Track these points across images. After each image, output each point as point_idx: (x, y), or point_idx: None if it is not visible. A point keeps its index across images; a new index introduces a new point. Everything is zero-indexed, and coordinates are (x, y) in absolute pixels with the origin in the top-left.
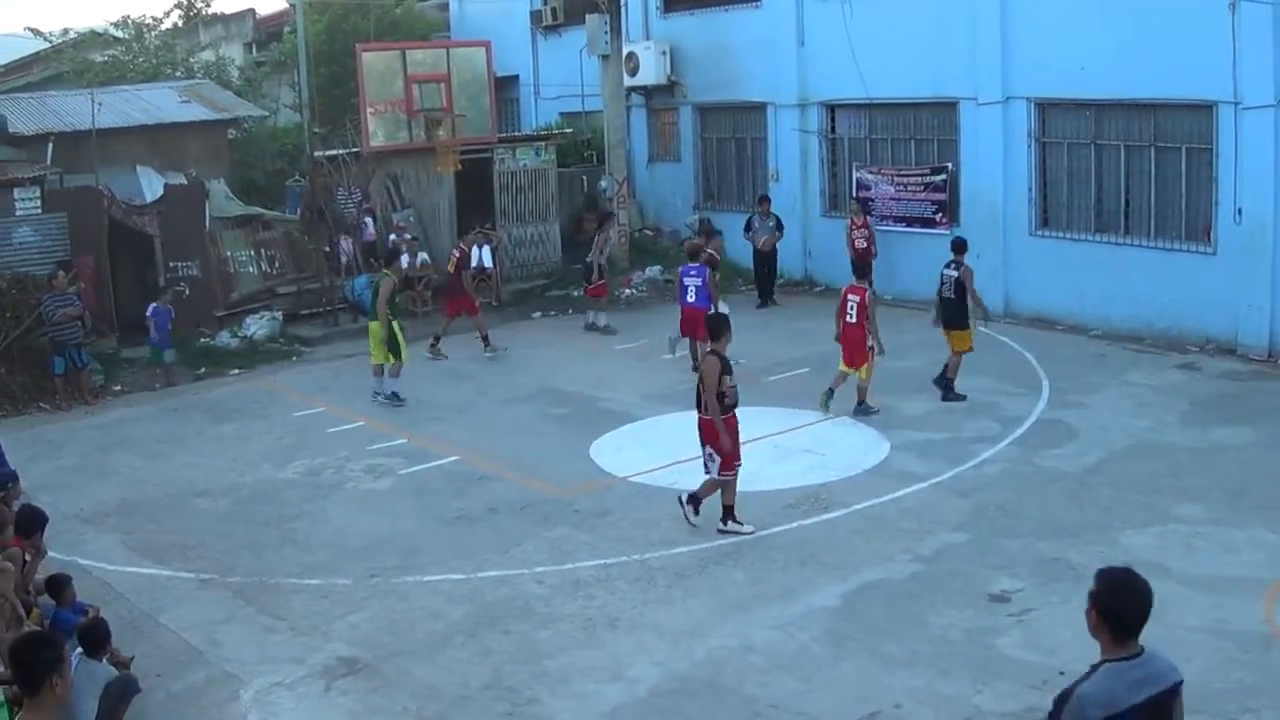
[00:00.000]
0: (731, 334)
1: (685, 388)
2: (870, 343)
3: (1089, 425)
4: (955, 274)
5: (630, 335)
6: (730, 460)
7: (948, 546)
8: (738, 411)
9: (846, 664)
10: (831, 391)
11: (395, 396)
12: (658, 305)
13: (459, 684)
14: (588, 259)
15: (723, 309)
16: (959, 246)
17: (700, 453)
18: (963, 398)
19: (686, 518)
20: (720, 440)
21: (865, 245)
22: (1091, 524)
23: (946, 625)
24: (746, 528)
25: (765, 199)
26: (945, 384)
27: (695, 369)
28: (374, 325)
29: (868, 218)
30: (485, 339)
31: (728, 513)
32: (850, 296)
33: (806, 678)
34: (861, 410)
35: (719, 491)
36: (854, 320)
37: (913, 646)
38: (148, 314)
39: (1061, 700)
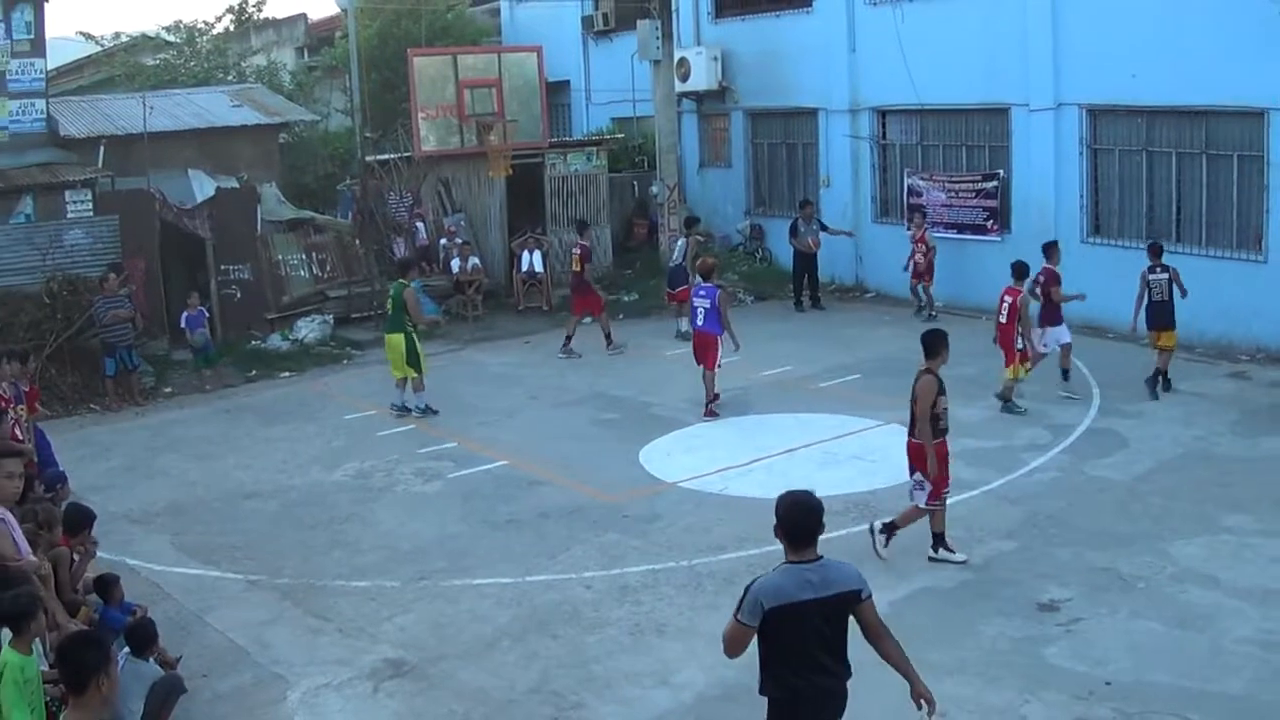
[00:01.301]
0: (948, 353)
1: (734, 395)
2: (1021, 344)
3: (1139, 434)
4: (1166, 276)
5: (679, 341)
6: (939, 487)
7: (997, 555)
8: (787, 415)
9: (893, 672)
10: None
11: (428, 409)
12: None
13: (505, 688)
14: (672, 264)
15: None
16: (1157, 251)
17: (908, 477)
18: (1169, 386)
19: (875, 548)
20: (929, 466)
21: (923, 258)
22: (1141, 534)
23: (995, 634)
24: (959, 556)
25: (808, 203)
26: (1158, 380)
27: (709, 404)
28: (392, 338)
29: (925, 231)
30: (608, 337)
31: (938, 540)
32: (1005, 298)
33: (852, 685)
34: (1006, 409)
35: (907, 516)
36: (1005, 321)
37: (960, 655)
38: (181, 324)
39: (745, 592)
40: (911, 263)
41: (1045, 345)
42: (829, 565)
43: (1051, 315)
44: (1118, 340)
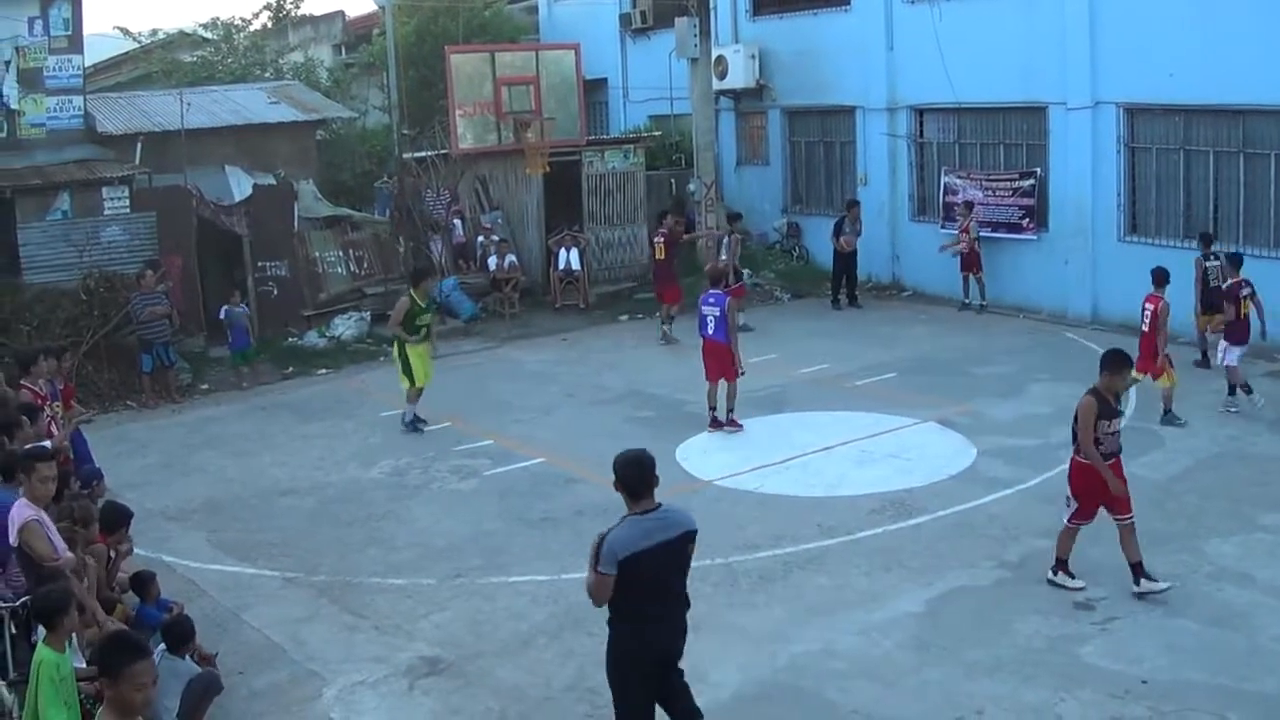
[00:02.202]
0: (1122, 378)
1: (769, 393)
2: (1165, 351)
3: (1175, 433)
4: (1219, 263)
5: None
6: (1123, 506)
7: (1033, 553)
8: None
9: (930, 670)
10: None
11: (416, 422)
12: (746, 309)
13: (542, 685)
14: (721, 259)
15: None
16: (1209, 240)
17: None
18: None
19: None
20: (1110, 484)
21: (968, 250)
22: (1177, 532)
23: (1031, 633)
24: (1077, 583)
25: (855, 203)
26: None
27: (712, 413)
28: (396, 346)
29: (970, 222)
30: (668, 323)
31: (1061, 565)
32: (1146, 305)
33: (889, 684)
34: (1166, 420)
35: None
36: (1146, 328)
37: (996, 653)
38: (221, 315)
39: (598, 545)
40: (957, 253)
41: (1226, 359)
42: (668, 511)
43: (1239, 332)
44: None
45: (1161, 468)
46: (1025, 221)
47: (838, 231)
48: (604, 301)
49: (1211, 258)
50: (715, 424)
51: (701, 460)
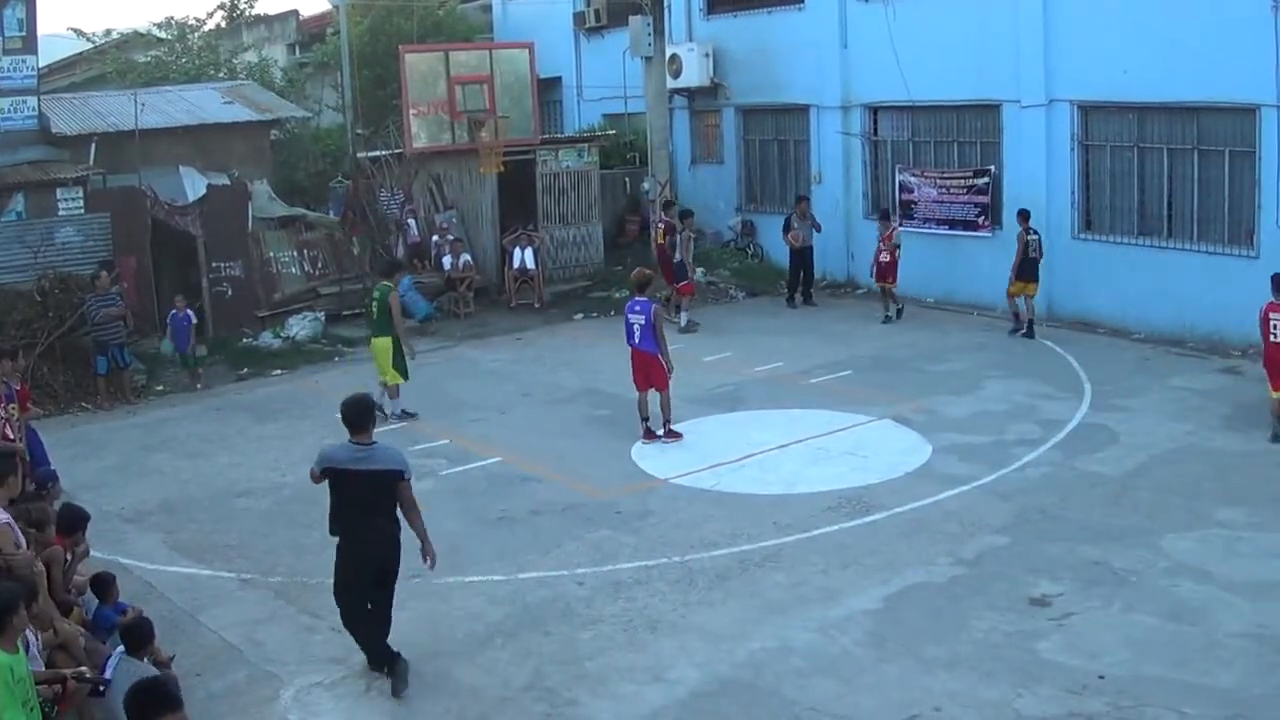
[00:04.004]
0: None
1: (724, 392)
2: None
3: (1131, 429)
4: None
5: (669, 339)
6: None
7: (989, 550)
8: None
9: (887, 666)
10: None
11: (405, 413)
12: (699, 308)
13: (499, 685)
14: (675, 259)
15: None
16: None
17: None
18: None
19: None
20: None
21: (889, 259)
22: (1133, 528)
23: (988, 629)
24: None
25: (803, 199)
26: None
27: (644, 424)
28: (379, 342)
29: (894, 229)
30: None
31: None
32: (1272, 315)
33: (847, 680)
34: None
35: None
36: (1277, 339)
37: (954, 649)
38: (167, 322)
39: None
40: (875, 264)
41: None
42: (378, 448)
43: None
44: (1108, 335)
45: (1117, 463)
46: (979, 219)
47: (787, 228)
48: (559, 300)
49: (1030, 232)
50: (649, 435)
51: (658, 459)
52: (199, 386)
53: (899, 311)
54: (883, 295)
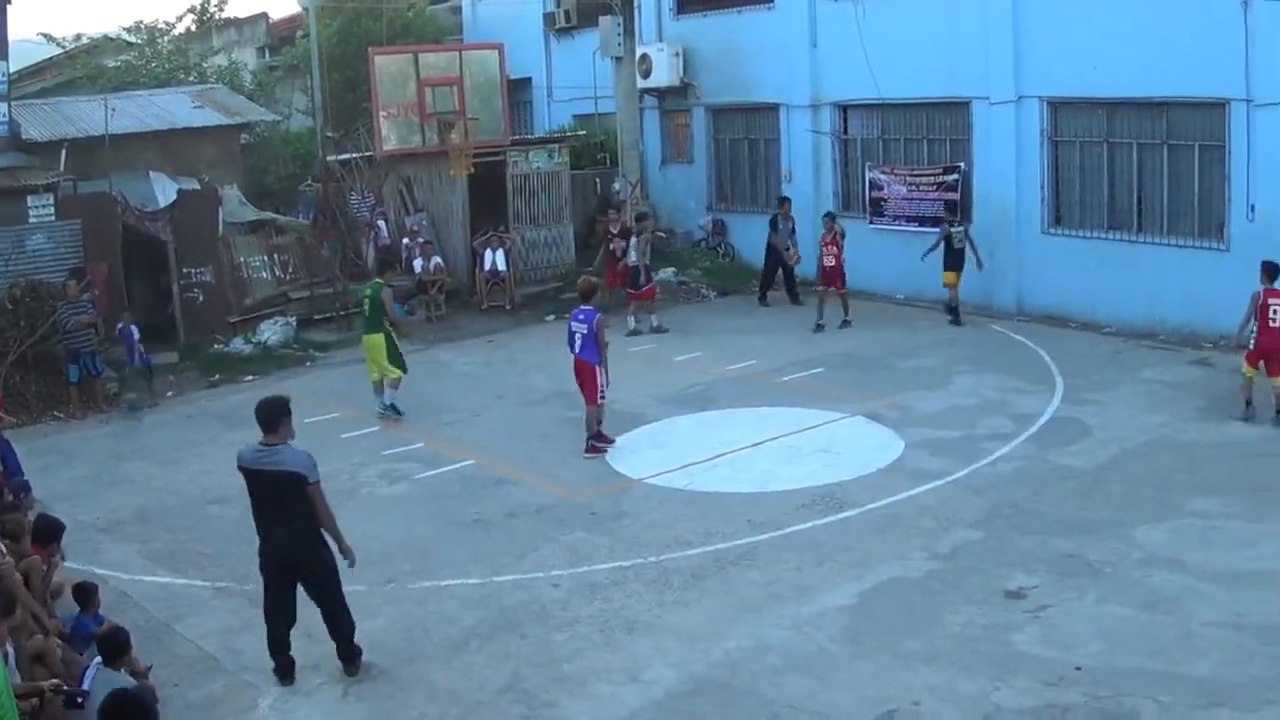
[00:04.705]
0: None
1: (696, 391)
2: None
3: (1103, 422)
4: None
5: (642, 338)
6: None
7: (963, 544)
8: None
9: (863, 662)
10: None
11: (393, 409)
12: (671, 308)
13: (476, 688)
14: (632, 262)
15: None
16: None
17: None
18: None
19: None
20: None
21: (834, 263)
22: (1106, 520)
23: (964, 622)
24: None
25: (786, 200)
26: None
27: (590, 440)
28: (371, 339)
29: (836, 233)
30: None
31: None
32: (1272, 301)
33: (823, 677)
34: None
35: None
36: (1278, 324)
37: (930, 644)
38: (118, 330)
39: None
40: (820, 268)
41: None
42: (283, 450)
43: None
44: (1079, 330)
45: (1089, 456)
46: (950, 216)
47: (774, 226)
48: (530, 302)
49: (955, 224)
50: (600, 442)
51: (631, 459)
52: (169, 394)
53: (846, 322)
54: (820, 301)
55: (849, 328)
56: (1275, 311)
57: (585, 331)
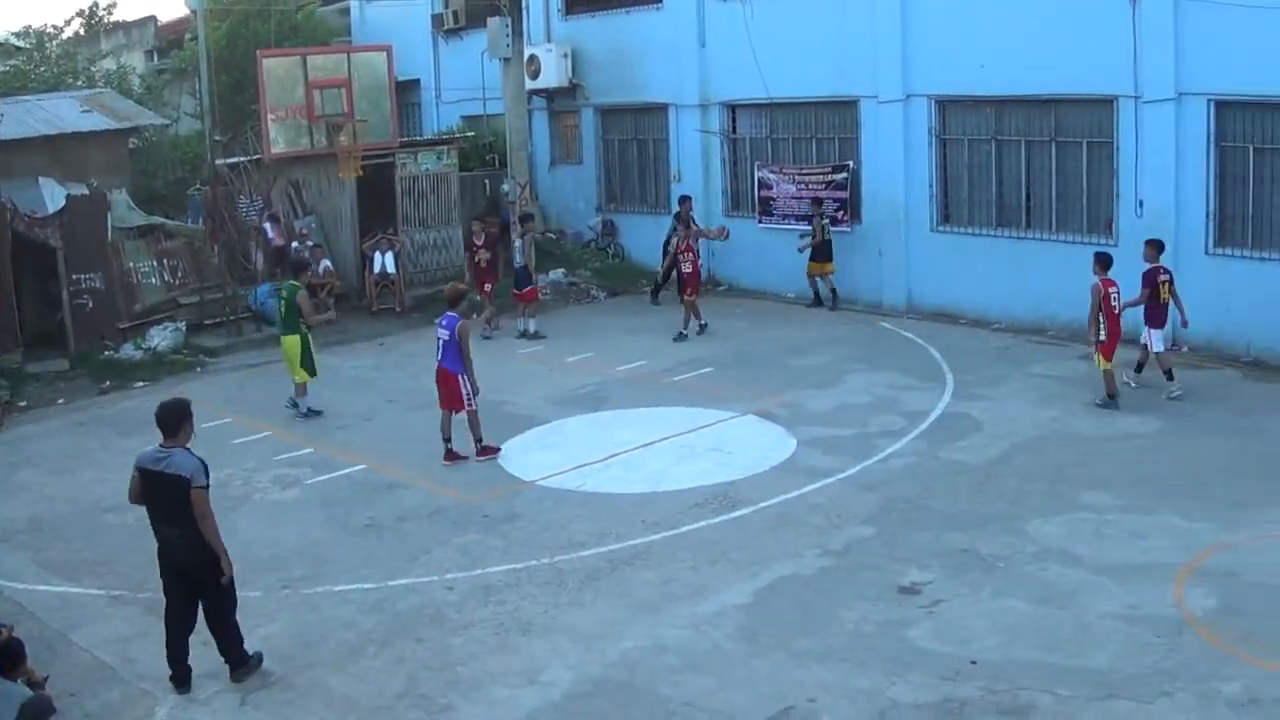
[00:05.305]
0: None
1: (587, 391)
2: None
3: (994, 417)
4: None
5: (530, 340)
6: None
7: (856, 540)
8: (643, 410)
9: (760, 660)
10: None
11: (311, 411)
12: (561, 308)
13: (373, 694)
14: (518, 263)
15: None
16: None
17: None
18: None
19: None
20: None
21: (691, 269)
22: (998, 514)
23: (858, 619)
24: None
25: (687, 198)
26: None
27: (446, 445)
28: (288, 340)
29: (692, 239)
30: (489, 320)
31: None
32: (1109, 290)
33: (720, 675)
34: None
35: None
36: (1119, 309)
37: (825, 641)
38: None
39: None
40: (678, 274)
41: (1153, 346)
42: (176, 454)
43: (1159, 316)
44: (969, 326)
45: (980, 451)
46: (839, 214)
47: (683, 222)
48: (420, 304)
49: (823, 217)
50: (451, 456)
51: (523, 461)
52: (61, 401)
53: (702, 327)
54: (685, 309)
55: (686, 341)
56: (1115, 300)
57: (447, 338)
